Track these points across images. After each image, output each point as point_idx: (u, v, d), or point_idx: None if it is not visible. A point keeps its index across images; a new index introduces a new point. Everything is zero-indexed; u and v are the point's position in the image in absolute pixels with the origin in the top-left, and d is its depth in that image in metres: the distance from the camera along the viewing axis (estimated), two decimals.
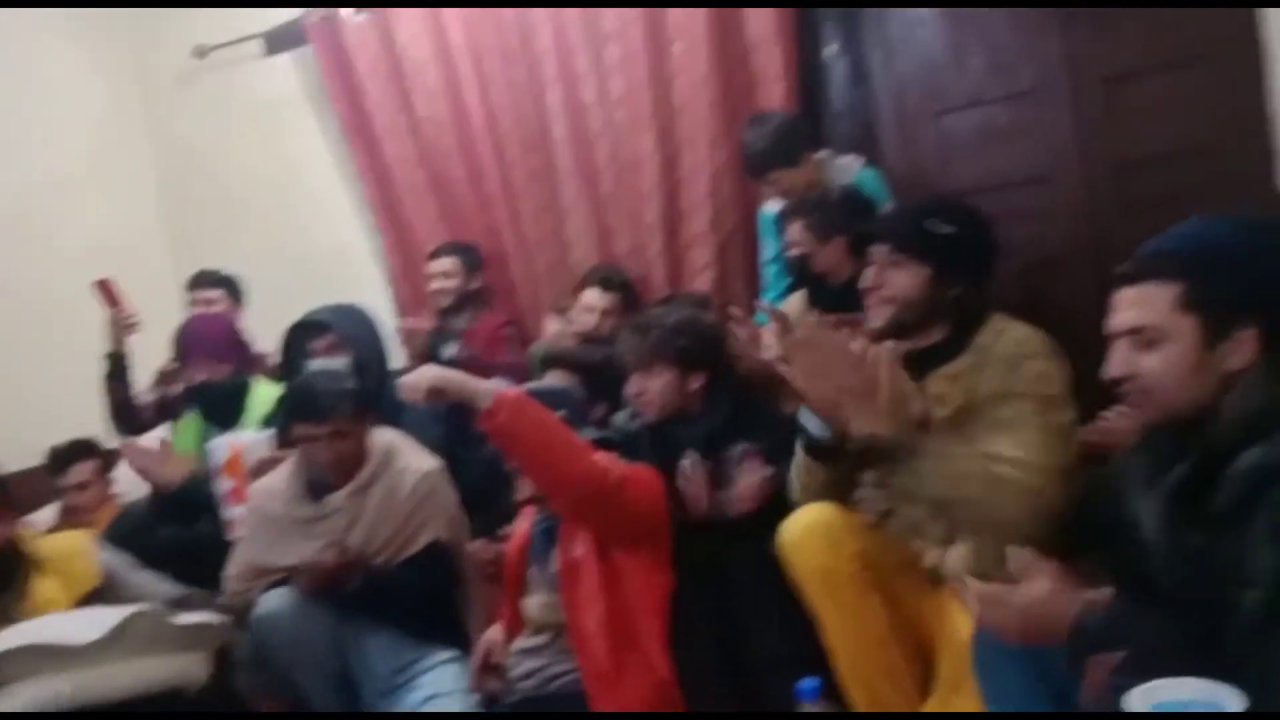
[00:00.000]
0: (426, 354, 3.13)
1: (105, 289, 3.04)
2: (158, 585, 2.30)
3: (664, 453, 2.21)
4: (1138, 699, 0.95)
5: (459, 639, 2.33)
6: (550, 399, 2.00)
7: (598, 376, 2.64)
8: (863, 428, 1.71)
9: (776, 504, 2.00)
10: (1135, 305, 1.26)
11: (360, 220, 3.80)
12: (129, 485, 2.91)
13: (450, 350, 3.08)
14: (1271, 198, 2.41)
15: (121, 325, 3.06)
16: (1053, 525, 1.66)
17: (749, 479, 2.10)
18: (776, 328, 1.87)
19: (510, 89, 3.35)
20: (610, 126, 3.23)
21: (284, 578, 2.24)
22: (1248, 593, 1.10)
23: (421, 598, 2.26)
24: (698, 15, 3.03)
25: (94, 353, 3.08)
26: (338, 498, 2.29)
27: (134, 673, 1.89)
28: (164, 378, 3.15)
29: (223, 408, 2.87)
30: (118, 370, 3.08)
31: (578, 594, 2.02)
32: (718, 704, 1.96)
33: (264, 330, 3.15)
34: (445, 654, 2.27)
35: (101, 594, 2.19)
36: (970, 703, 1.59)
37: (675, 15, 3.07)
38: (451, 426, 2.58)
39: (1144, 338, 1.25)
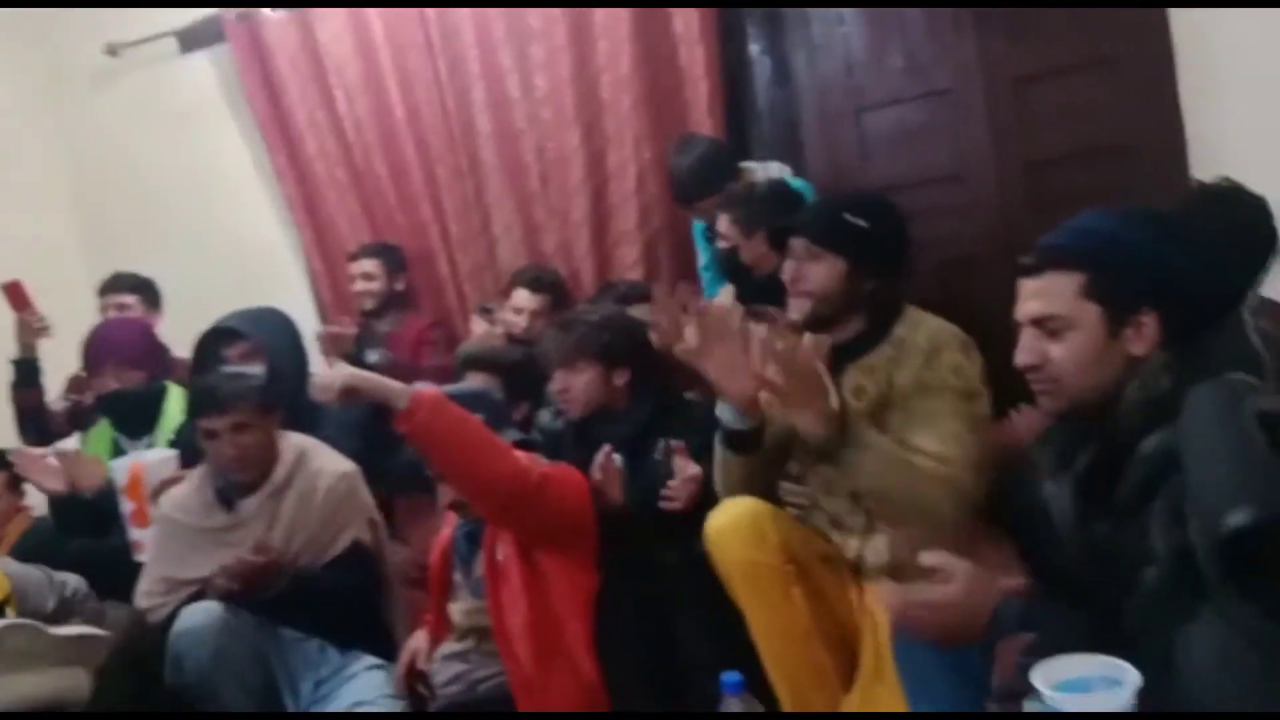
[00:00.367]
0: (350, 360, 3.06)
1: (13, 292, 2.93)
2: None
3: (589, 451, 2.19)
4: (1039, 676, 0.96)
5: (384, 645, 2.29)
6: (468, 401, 1.97)
7: (517, 376, 2.61)
8: (805, 428, 1.72)
9: (702, 500, 2.00)
10: (1040, 295, 1.29)
11: (281, 220, 3.72)
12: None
13: (374, 355, 3.02)
14: (1183, 195, 2.48)
15: (30, 330, 2.95)
16: (972, 516, 1.69)
17: (682, 478, 2.10)
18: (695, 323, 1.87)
19: (434, 85, 3.31)
20: (535, 123, 3.21)
21: (199, 591, 2.17)
22: (1147, 571, 1.13)
23: (345, 601, 2.22)
24: (622, 13, 3.03)
25: (1, 358, 2.97)
26: (251, 504, 2.23)
27: (7, 687, 1.82)
28: (74, 385, 3.04)
29: (135, 417, 2.78)
30: (26, 377, 2.97)
31: (502, 597, 2.00)
32: (645, 704, 1.94)
33: (183, 335, 3.06)
34: (369, 661, 2.23)
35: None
36: (891, 692, 1.60)
37: (600, 13, 3.07)
38: (370, 435, 2.52)
39: (1050, 326, 1.28)
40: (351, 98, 3.43)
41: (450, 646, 2.12)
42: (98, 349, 2.80)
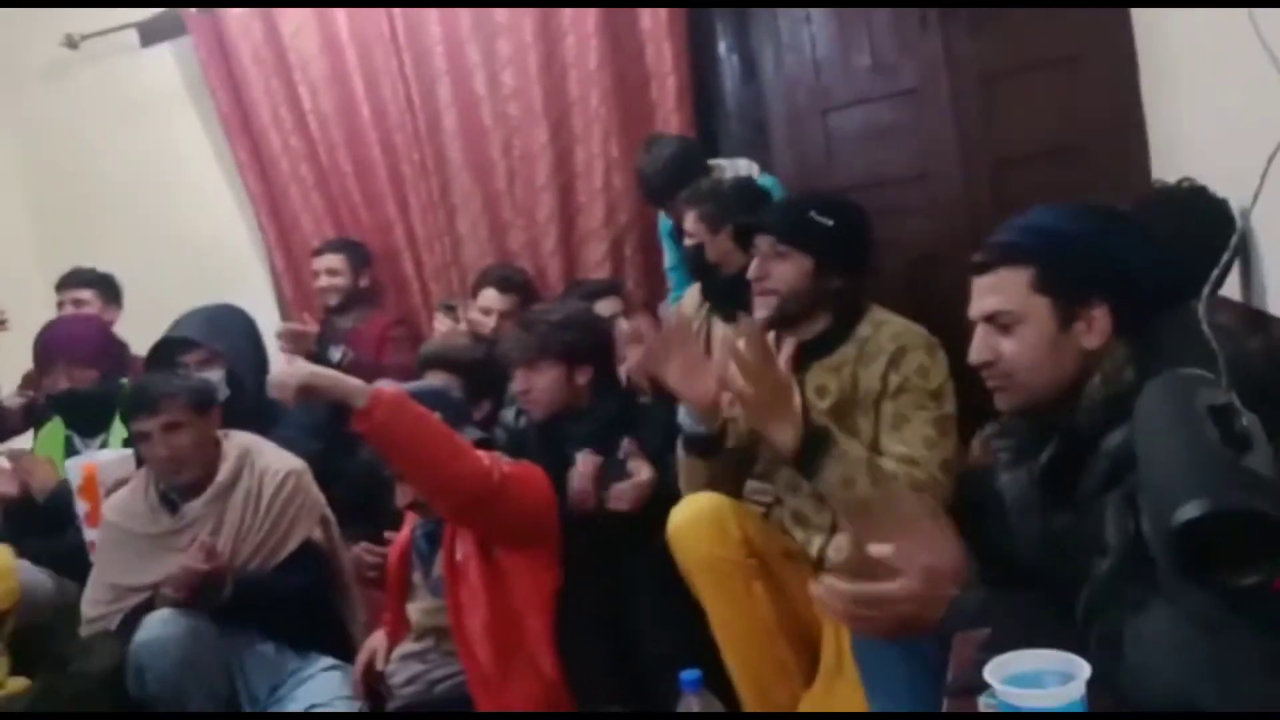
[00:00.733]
0: (312, 357, 3.02)
1: None
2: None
3: (552, 450, 2.18)
4: (991, 671, 0.96)
5: (342, 645, 2.25)
6: (427, 399, 1.93)
7: (478, 375, 2.58)
8: (774, 438, 1.72)
9: (666, 497, 1.99)
10: (992, 291, 1.30)
11: (244, 217, 3.67)
12: None
13: (337, 353, 2.98)
14: (1142, 196, 2.49)
15: None
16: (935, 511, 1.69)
17: (631, 481, 2.09)
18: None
19: (399, 81, 3.27)
20: (502, 120, 3.19)
21: (149, 599, 2.11)
22: (1100, 561, 1.13)
23: (299, 601, 2.18)
24: (589, 10, 3.02)
25: None
26: (196, 506, 2.17)
27: None
28: (28, 382, 2.98)
29: (89, 416, 2.71)
30: None
31: (461, 597, 1.97)
32: (607, 703, 1.93)
33: (142, 332, 3.00)
34: (325, 662, 2.19)
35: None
36: (851, 687, 1.60)
37: (567, 10, 3.06)
38: (329, 436, 2.48)
39: (1001, 321, 1.28)
40: (315, 93, 3.39)
41: (408, 646, 2.09)
42: (49, 347, 2.73)
